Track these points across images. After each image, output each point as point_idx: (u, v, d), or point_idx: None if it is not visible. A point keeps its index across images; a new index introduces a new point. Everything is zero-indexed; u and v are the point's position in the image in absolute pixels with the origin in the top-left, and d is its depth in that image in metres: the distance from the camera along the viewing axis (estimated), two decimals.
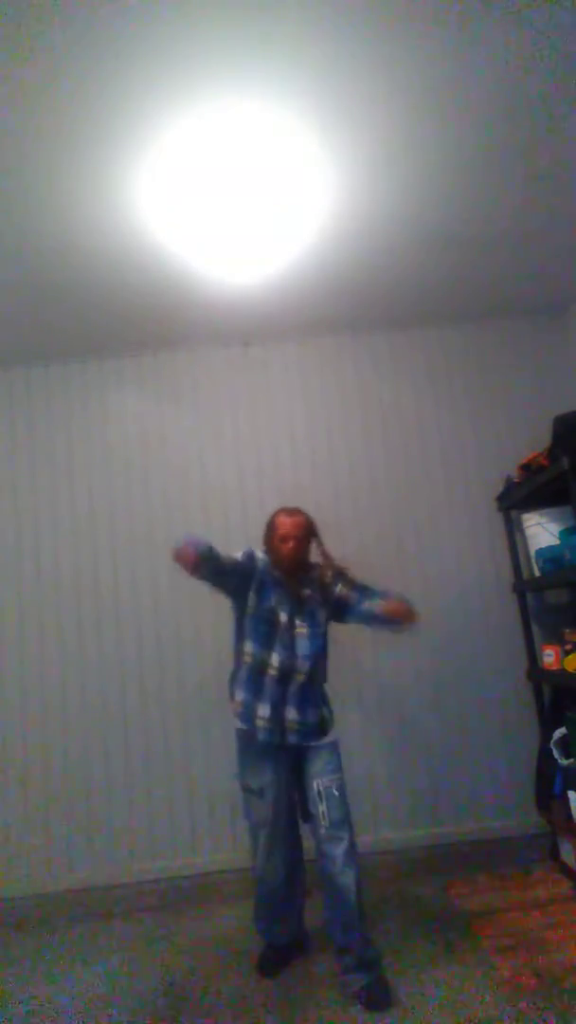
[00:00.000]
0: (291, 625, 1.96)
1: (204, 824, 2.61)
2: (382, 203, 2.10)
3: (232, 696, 1.99)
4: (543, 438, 2.61)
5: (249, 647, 1.97)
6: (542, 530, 2.55)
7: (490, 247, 2.42)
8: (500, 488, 2.80)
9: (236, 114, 1.67)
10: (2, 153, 1.73)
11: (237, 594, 1.99)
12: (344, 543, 2.82)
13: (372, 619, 1.99)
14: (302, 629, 1.97)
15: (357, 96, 1.66)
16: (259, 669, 1.94)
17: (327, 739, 1.96)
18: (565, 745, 2.30)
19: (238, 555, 1.97)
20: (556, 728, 2.36)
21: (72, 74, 1.51)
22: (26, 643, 2.75)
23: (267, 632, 1.95)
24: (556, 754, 2.32)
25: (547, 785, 2.39)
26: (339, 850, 1.85)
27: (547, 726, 2.51)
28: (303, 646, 1.95)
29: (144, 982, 1.99)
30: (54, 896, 2.54)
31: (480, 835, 2.60)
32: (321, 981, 1.89)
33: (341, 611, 2.04)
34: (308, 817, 1.95)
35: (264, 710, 1.91)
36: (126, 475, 2.90)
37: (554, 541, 2.48)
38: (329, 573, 2.04)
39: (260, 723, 1.91)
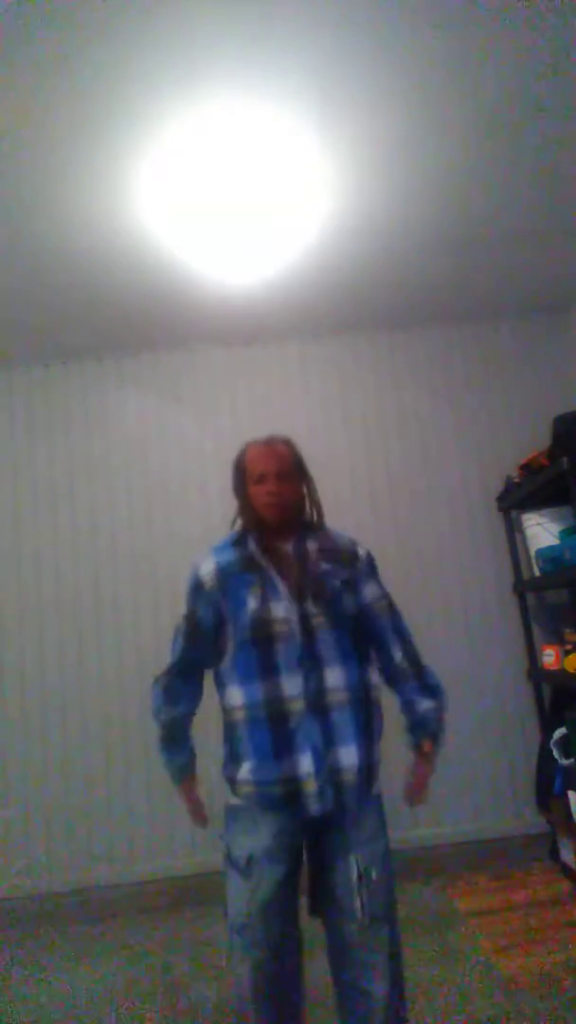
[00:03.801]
0: (303, 619, 1.28)
1: None
2: (382, 203, 2.10)
3: (233, 776, 1.30)
4: (543, 438, 2.62)
5: (237, 696, 1.29)
6: (542, 530, 2.55)
7: (490, 247, 2.42)
8: (500, 488, 2.80)
9: (236, 113, 1.67)
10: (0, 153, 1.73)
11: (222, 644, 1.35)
12: None
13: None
14: (320, 619, 1.30)
15: (358, 95, 1.66)
16: (271, 715, 1.26)
17: (374, 791, 1.34)
18: (565, 745, 2.30)
19: (184, 607, 1.39)
20: (556, 728, 2.36)
21: (71, 74, 1.51)
22: (26, 642, 2.75)
23: (261, 655, 1.27)
24: (556, 754, 2.32)
25: (547, 785, 2.39)
26: (379, 957, 1.21)
27: (547, 726, 2.51)
28: (330, 651, 1.30)
29: (144, 982, 1.99)
30: (54, 896, 2.54)
31: (480, 835, 2.60)
32: None
33: (365, 625, 1.39)
34: (323, 910, 1.29)
35: (304, 765, 1.22)
36: (126, 475, 2.89)
37: (554, 541, 2.48)
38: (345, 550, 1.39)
39: (308, 788, 1.22)
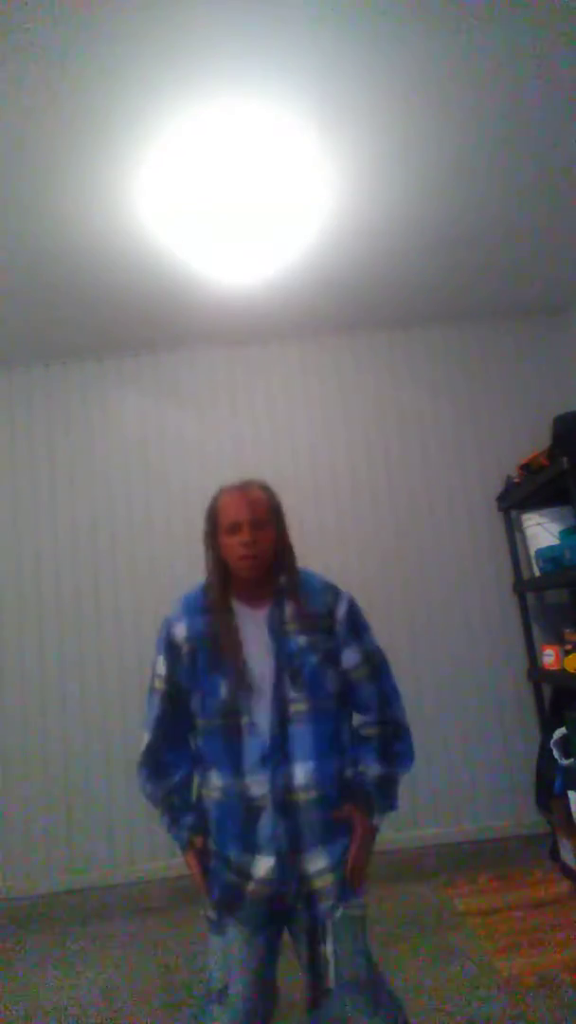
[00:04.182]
0: (278, 708, 1.18)
1: None
2: (383, 203, 2.10)
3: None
4: (543, 438, 2.62)
5: (215, 778, 1.21)
6: (542, 530, 2.56)
7: (490, 247, 2.42)
8: (500, 488, 2.80)
9: (236, 113, 1.67)
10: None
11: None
12: (344, 543, 2.85)
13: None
14: (300, 706, 1.19)
15: (358, 95, 1.66)
16: (236, 805, 1.17)
17: (357, 898, 1.19)
18: (565, 745, 2.30)
19: (158, 668, 1.28)
20: (556, 728, 2.36)
21: (71, 73, 1.51)
22: (26, 641, 2.75)
23: (226, 743, 1.18)
24: (556, 754, 2.32)
25: (547, 785, 2.39)
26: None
27: (547, 726, 2.52)
28: (303, 743, 1.18)
29: (144, 982, 1.99)
30: (54, 896, 2.54)
31: (480, 835, 2.60)
32: None
33: (346, 691, 1.27)
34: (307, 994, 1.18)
35: (263, 865, 1.15)
36: (126, 475, 2.89)
37: (554, 541, 2.48)
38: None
39: (252, 889, 1.15)
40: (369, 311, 2.85)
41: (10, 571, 2.81)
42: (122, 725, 2.68)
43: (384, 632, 2.79)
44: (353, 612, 1.28)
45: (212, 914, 1.19)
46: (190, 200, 1.98)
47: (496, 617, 2.78)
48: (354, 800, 1.20)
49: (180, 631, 1.25)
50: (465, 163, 1.96)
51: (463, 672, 2.73)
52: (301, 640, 1.21)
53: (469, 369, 3.00)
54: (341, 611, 1.26)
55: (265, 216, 2.10)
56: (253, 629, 1.23)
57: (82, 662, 2.73)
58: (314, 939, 1.15)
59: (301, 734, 1.17)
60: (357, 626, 1.28)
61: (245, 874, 1.16)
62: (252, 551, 1.20)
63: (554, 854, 2.48)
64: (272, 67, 1.54)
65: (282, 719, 1.17)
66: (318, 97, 1.65)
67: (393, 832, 2.58)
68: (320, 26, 1.45)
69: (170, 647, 1.26)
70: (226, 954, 1.16)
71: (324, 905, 1.15)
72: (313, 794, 1.16)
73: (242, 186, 1.94)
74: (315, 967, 1.15)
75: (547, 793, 2.39)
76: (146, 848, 2.60)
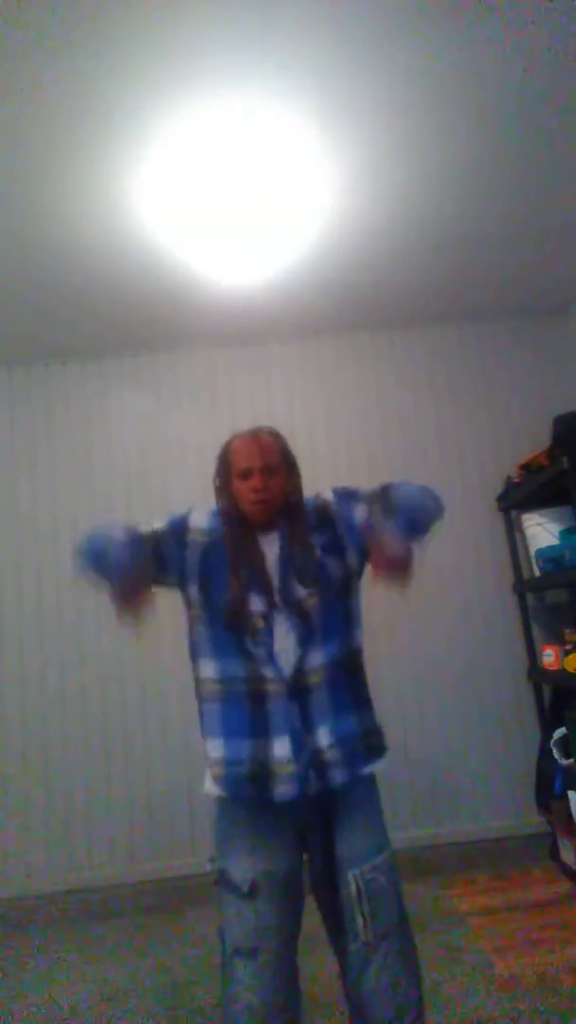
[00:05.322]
0: (287, 603, 1.21)
1: (204, 824, 2.61)
2: (383, 202, 2.10)
3: (208, 753, 1.24)
4: (543, 438, 2.62)
5: (211, 668, 1.24)
6: (542, 530, 2.55)
7: (491, 247, 2.42)
8: (500, 488, 2.80)
9: (236, 113, 1.67)
10: None
11: (175, 589, 1.29)
12: None
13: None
14: (313, 600, 1.22)
15: (359, 94, 1.66)
16: (247, 692, 1.20)
17: (373, 766, 1.26)
18: (565, 745, 2.30)
19: (158, 523, 1.29)
20: (556, 728, 2.36)
21: (70, 72, 1.51)
22: (27, 642, 2.75)
23: (235, 640, 1.21)
24: (556, 754, 2.32)
25: (547, 785, 2.39)
26: (386, 978, 1.12)
27: (547, 726, 2.52)
28: (312, 635, 1.21)
29: (144, 982, 1.99)
30: (54, 896, 2.54)
31: (480, 835, 2.60)
32: None
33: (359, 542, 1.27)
34: (337, 931, 1.20)
35: (281, 748, 1.16)
36: (126, 475, 2.89)
37: (554, 541, 2.48)
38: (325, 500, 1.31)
39: (279, 771, 1.15)
40: (369, 311, 2.85)
41: (10, 571, 2.81)
42: (122, 724, 2.68)
43: (384, 632, 2.81)
44: (340, 492, 1.33)
45: (234, 871, 1.17)
46: (190, 200, 1.98)
47: (496, 617, 2.78)
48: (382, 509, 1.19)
49: (200, 520, 1.29)
50: (466, 162, 1.96)
51: (463, 672, 2.73)
52: (305, 547, 1.24)
53: (469, 369, 3.00)
54: (332, 501, 1.31)
55: (265, 216, 2.10)
56: (264, 548, 1.25)
57: (82, 662, 2.73)
58: (342, 901, 1.16)
59: (309, 629, 1.21)
60: (349, 494, 1.32)
61: (261, 761, 1.16)
62: (264, 496, 1.23)
63: (554, 854, 2.48)
64: (273, 66, 1.54)
65: (299, 615, 1.20)
66: (319, 96, 1.65)
67: (393, 832, 2.58)
68: (321, 24, 1.45)
69: (180, 526, 1.28)
70: (259, 914, 1.13)
71: (340, 772, 1.18)
72: (325, 675, 1.21)
73: (242, 185, 1.94)
74: (353, 922, 1.14)
75: (547, 793, 2.39)
76: (146, 848, 2.59)
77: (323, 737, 1.19)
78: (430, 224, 2.24)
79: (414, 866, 2.51)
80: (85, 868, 2.58)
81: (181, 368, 2.99)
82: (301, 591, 1.21)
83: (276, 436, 1.34)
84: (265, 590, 1.21)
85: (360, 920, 1.13)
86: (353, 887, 1.15)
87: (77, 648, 2.74)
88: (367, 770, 1.24)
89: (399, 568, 1.09)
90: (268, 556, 1.25)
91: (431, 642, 2.74)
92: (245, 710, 1.20)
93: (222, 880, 1.18)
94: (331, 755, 1.18)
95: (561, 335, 3.00)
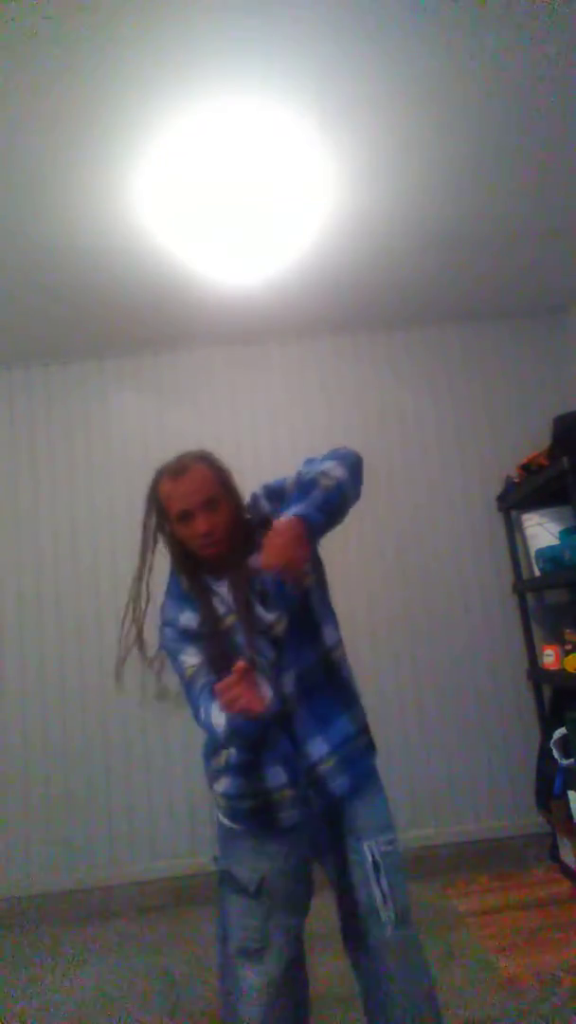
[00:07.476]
0: (261, 632, 1.15)
1: (205, 824, 2.61)
2: (383, 202, 2.10)
3: (211, 784, 1.23)
4: (543, 438, 2.62)
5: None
6: (542, 530, 2.56)
7: (490, 247, 2.42)
8: (500, 488, 2.80)
9: (236, 113, 1.67)
10: None
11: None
12: (344, 543, 2.84)
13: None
14: (280, 625, 1.17)
15: (358, 94, 1.66)
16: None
17: (373, 759, 1.25)
18: (565, 745, 2.30)
19: (187, 658, 1.22)
20: (556, 728, 2.36)
21: (70, 73, 1.51)
22: (27, 641, 2.75)
23: (224, 666, 1.10)
24: (556, 754, 2.32)
25: (547, 785, 2.39)
26: (407, 960, 1.12)
27: (547, 726, 2.52)
28: (286, 651, 1.16)
29: (144, 982, 1.98)
30: (54, 896, 2.54)
31: (480, 835, 2.60)
32: None
33: None
34: (351, 918, 1.15)
35: (275, 777, 1.13)
36: (126, 475, 2.89)
37: (554, 541, 2.48)
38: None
39: (279, 799, 1.13)
40: (370, 311, 2.84)
41: (11, 571, 2.81)
42: (122, 725, 2.68)
43: (384, 632, 2.81)
44: (266, 487, 1.24)
45: (239, 869, 1.14)
46: (190, 200, 1.98)
47: (496, 617, 2.78)
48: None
49: (174, 612, 1.23)
50: (466, 163, 1.96)
51: (463, 672, 2.73)
52: (258, 570, 1.13)
53: (469, 369, 3.00)
54: (267, 507, 1.22)
55: (265, 216, 2.10)
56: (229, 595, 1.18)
57: (82, 662, 2.73)
58: (357, 878, 1.13)
59: (279, 652, 1.15)
60: (274, 492, 1.23)
61: (262, 793, 1.13)
62: (213, 538, 1.14)
63: (554, 854, 2.48)
64: (273, 66, 1.54)
65: (271, 642, 1.15)
66: (318, 96, 1.65)
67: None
68: (320, 24, 1.45)
69: (184, 638, 1.21)
70: (267, 913, 1.12)
71: (342, 780, 1.15)
72: (301, 688, 1.16)
73: (242, 185, 1.94)
74: (371, 897, 1.11)
75: (547, 793, 2.39)
76: (146, 848, 2.59)
77: (316, 751, 1.15)
78: (430, 224, 2.24)
79: (414, 866, 2.51)
80: (85, 868, 2.58)
81: (181, 367, 2.99)
82: (269, 617, 1.15)
83: (207, 461, 1.20)
84: (244, 628, 1.14)
85: (379, 894, 1.10)
86: (369, 858, 1.12)
87: (78, 647, 2.74)
88: (367, 766, 1.22)
89: (280, 557, 0.99)
90: (235, 592, 1.17)
91: (431, 642, 2.74)
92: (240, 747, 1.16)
93: (227, 880, 1.16)
94: (327, 767, 1.15)
95: (561, 335, 3.00)
